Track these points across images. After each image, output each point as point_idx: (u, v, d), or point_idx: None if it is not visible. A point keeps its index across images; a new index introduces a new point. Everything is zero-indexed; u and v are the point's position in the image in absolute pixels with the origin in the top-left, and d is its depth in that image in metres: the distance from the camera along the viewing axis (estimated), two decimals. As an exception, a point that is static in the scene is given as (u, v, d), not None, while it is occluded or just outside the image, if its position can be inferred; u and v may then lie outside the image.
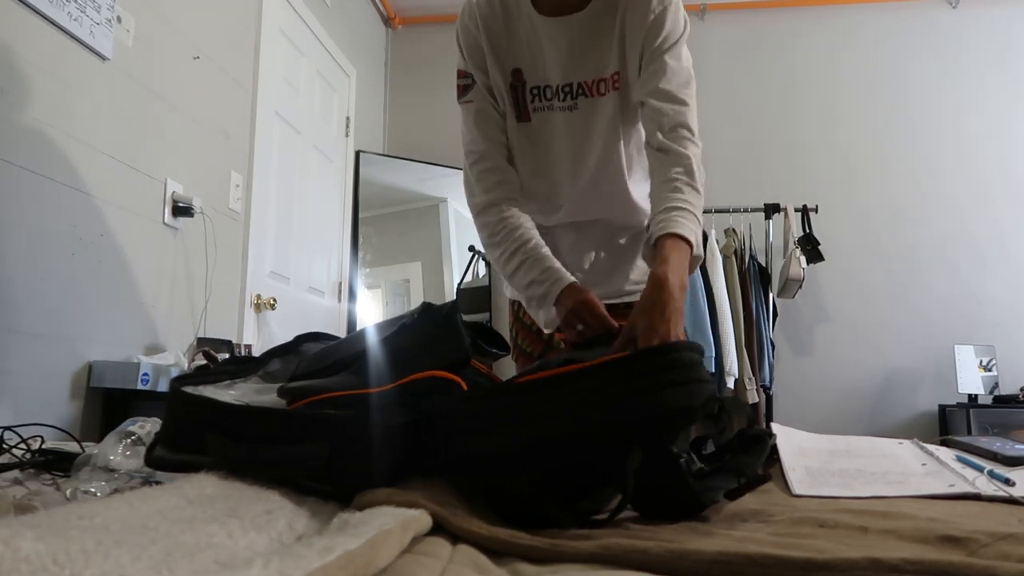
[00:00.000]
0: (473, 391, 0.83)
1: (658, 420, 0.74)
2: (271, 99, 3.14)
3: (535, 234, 1.33)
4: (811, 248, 3.83)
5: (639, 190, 1.47)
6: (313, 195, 3.59)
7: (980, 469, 1.02)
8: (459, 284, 4.00)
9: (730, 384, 3.65)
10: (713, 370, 3.65)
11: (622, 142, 1.41)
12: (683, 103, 1.30)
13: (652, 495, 0.78)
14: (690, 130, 1.28)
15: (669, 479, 0.78)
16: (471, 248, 3.99)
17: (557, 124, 1.39)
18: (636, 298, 1.51)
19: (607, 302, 1.51)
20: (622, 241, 1.54)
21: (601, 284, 1.51)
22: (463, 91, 1.40)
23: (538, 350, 1.57)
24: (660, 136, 1.27)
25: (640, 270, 1.53)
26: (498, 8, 1.36)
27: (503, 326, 1.68)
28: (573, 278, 1.26)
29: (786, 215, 3.97)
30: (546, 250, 1.31)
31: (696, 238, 1.16)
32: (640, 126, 1.38)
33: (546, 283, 1.25)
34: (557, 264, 1.28)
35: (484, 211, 1.36)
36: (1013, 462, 1.05)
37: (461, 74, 1.40)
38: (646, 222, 1.44)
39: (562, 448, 0.74)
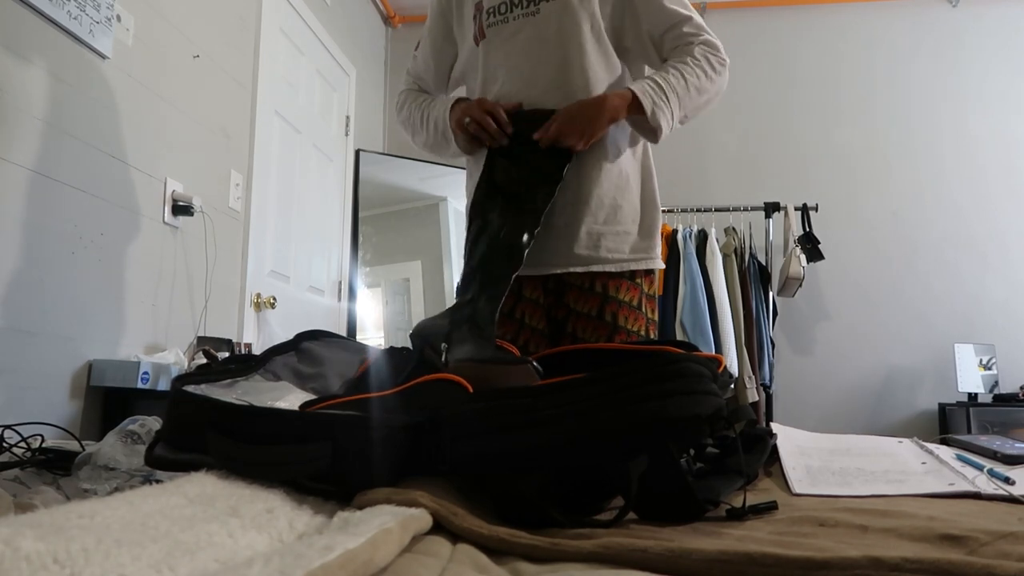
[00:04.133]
0: (479, 394, 0.83)
1: (663, 428, 0.74)
2: (271, 98, 3.14)
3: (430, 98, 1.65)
4: (811, 247, 3.83)
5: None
6: (313, 194, 3.59)
7: (980, 468, 1.02)
8: (459, 282, 4.00)
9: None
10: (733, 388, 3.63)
11: (587, 50, 1.45)
12: (686, 20, 1.47)
13: (652, 495, 0.78)
14: (696, 35, 1.47)
15: (669, 480, 0.78)
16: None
17: (511, 33, 1.49)
18: (609, 267, 1.45)
19: (582, 270, 1.46)
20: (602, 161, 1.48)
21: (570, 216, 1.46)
22: (416, 47, 1.72)
23: (543, 324, 1.49)
24: (668, 34, 1.48)
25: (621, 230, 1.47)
26: None
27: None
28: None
29: (786, 214, 3.97)
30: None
31: (655, 101, 1.39)
32: (609, 38, 1.49)
33: (440, 108, 1.55)
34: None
35: (397, 111, 1.70)
36: (1013, 461, 1.05)
37: (422, 37, 1.69)
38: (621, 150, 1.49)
39: (566, 452, 0.74)
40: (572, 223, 1.44)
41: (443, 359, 1.05)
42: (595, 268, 1.44)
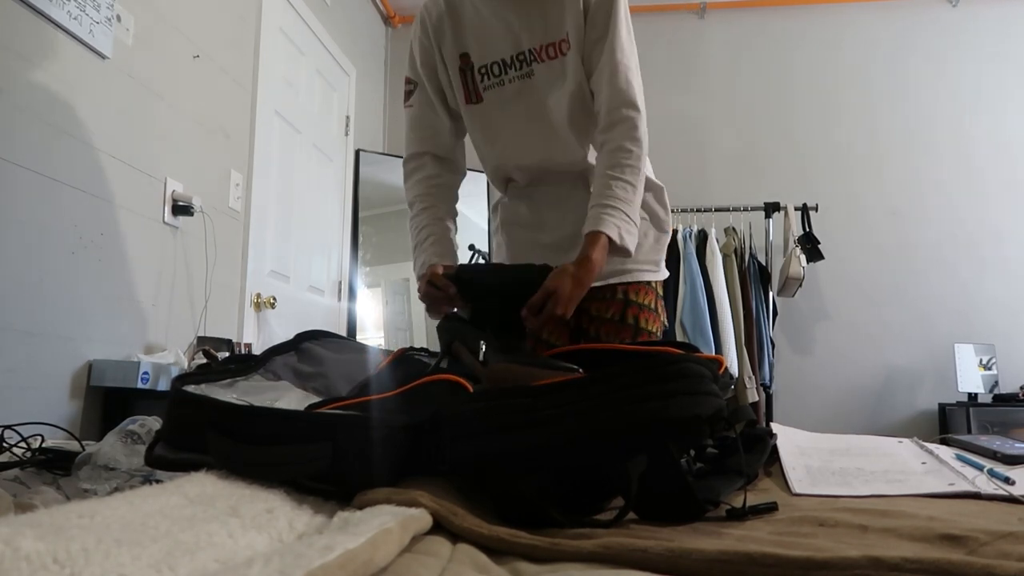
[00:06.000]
0: (479, 394, 0.83)
1: (663, 428, 0.74)
2: (271, 98, 3.14)
3: (438, 222, 1.47)
4: (811, 247, 3.83)
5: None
6: (313, 194, 3.59)
7: (980, 468, 1.02)
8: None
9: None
10: (733, 387, 3.64)
11: (576, 108, 1.43)
12: (624, 83, 1.38)
13: (652, 495, 0.78)
14: (632, 107, 1.37)
15: (670, 480, 0.77)
16: (471, 247, 3.99)
17: (511, 96, 1.45)
18: (626, 278, 1.49)
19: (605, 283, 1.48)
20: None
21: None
22: (406, 97, 1.54)
23: (564, 339, 1.53)
24: (602, 120, 1.38)
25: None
26: (441, 3, 1.46)
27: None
28: (435, 261, 1.38)
29: (786, 214, 3.98)
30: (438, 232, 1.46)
31: (621, 230, 1.31)
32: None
33: (420, 260, 1.43)
34: (433, 248, 1.43)
35: (410, 204, 1.52)
36: (1013, 461, 1.05)
37: (407, 80, 1.54)
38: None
39: (566, 452, 0.74)
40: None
41: (481, 357, 1.04)
42: (612, 280, 1.50)
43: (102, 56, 2.11)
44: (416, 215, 1.49)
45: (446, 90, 1.50)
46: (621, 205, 1.33)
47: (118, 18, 2.16)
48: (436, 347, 1.19)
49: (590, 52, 1.39)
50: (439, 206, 1.49)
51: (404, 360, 1.12)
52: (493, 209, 1.66)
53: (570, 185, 1.50)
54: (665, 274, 1.57)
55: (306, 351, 1.19)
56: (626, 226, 1.33)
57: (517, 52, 1.42)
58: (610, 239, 1.31)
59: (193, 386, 0.96)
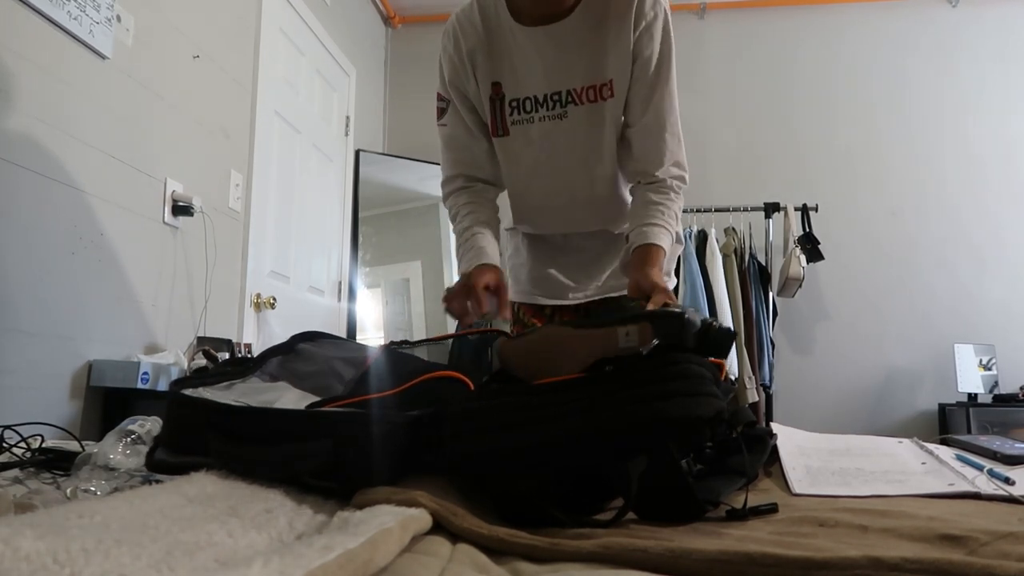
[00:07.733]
0: (481, 391, 0.83)
1: (664, 428, 0.74)
2: (271, 98, 3.14)
3: (480, 225, 1.42)
4: (811, 247, 3.83)
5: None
6: (313, 194, 3.60)
7: (980, 468, 1.02)
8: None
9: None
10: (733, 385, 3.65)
11: (611, 152, 1.42)
12: (671, 132, 1.40)
13: (652, 496, 0.78)
14: (677, 164, 1.44)
15: (670, 480, 0.77)
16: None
17: (537, 136, 1.39)
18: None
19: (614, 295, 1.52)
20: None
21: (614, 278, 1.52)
22: (439, 114, 1.47)
23: None
24: (649, 169, 1.41)
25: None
26: (478, 24, 1.36)
27: (503, 325, 1.68)
28: (486, 261, 1.33)
29: (786, 214, 3.98)
30: (480, 238, 1.39)
31: (669, 244, 1.36)
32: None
33: (465, 262, 1.37)
34: (481, 247, 1.37)
35: (452, 218, 1.48)
36: (1013, 461, 1.05)
37: (439, 97, 1.46)
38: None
39: (567, 451, 0.74)
40: (604, 256, 1.54)
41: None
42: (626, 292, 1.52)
43: (102, 56, 2.11)
44: (459, 222, 1.45)
45: (479, 111, 1.43)
46: (668, 226, 1.37)
47: (118, 18, 2.16)
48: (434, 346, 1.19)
49: (633, 100, 1.35)
50: (480, 212, 1.44)
51: (392, 354, 1.13)
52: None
53: (602, 239, 1.54)
54: (674, 282, 1.57)
55: (302, 352, 1.18)
56: (670, 240, 1.37)
57: (553, 91, 1.35)
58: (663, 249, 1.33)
59: (191, 390, 0.95)
